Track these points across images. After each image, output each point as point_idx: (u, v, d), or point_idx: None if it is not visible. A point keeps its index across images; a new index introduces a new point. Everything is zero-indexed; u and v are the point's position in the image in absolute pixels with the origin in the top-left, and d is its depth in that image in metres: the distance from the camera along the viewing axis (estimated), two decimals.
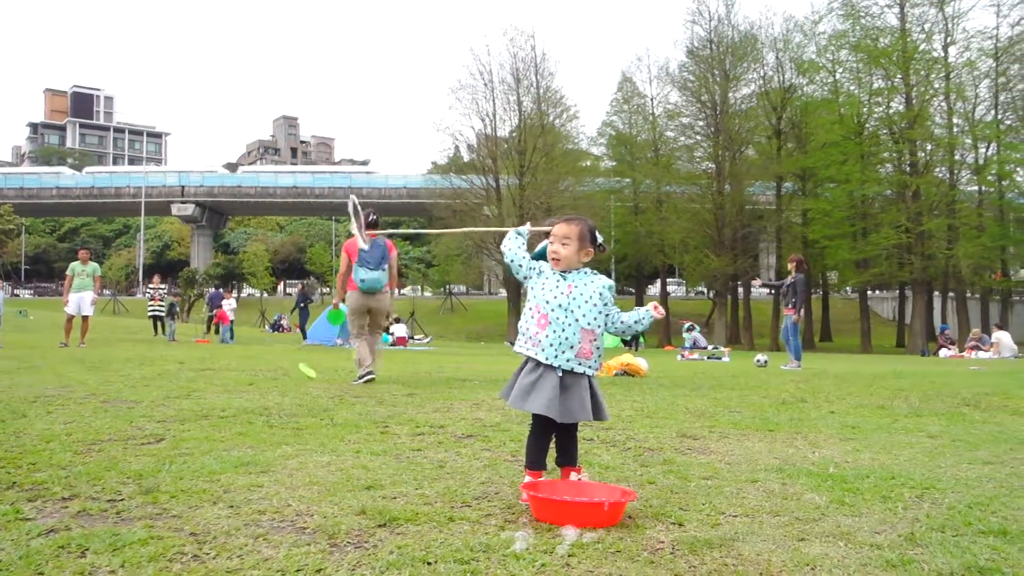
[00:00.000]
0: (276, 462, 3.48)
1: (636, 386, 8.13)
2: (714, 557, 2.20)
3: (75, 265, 14.97)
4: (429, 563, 2.09)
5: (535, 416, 2.94)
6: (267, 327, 39.49)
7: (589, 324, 2.97)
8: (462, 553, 2.18)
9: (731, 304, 42.73)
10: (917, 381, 9.02)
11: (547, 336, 2.93)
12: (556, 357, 2.91)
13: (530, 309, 3.02)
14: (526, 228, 3.23)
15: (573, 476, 3.03)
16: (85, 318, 14.94)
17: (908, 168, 36.20)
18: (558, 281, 3.00)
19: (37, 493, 2.82)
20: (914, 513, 2.75)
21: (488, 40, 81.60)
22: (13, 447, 3.71)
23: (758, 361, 14.70)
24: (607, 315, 3.04)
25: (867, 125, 37.59)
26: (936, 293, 41.24)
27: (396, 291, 8.41)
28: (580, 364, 2.94)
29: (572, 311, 2.95)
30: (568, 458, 3.07)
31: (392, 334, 27.03)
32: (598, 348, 3.02)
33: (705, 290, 53.97)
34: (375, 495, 2.88)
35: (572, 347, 2.93)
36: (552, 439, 3.04)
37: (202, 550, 2.17)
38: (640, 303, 48.25)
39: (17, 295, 68.88)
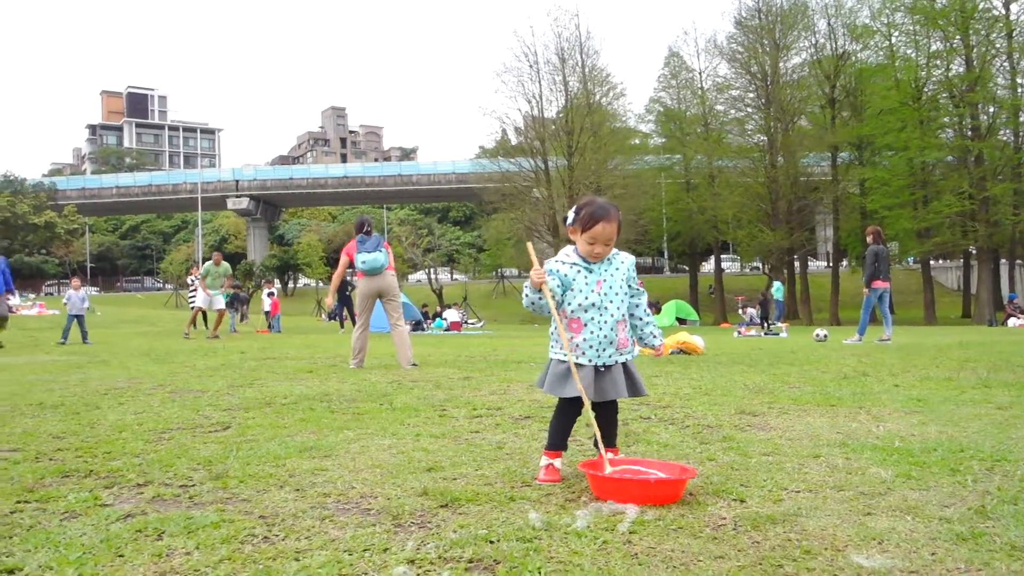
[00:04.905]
0: (339, 446, 3.55)
1: (693, 364, 8.07)
2: (777, 533, 2.18)
3: (209, 266, 16.74)
4: (492, 541, 2.11)
5: (562, 399, 2.92)
6: (324, 316, 40.15)
7: (623, 315, 2.93)
8: (524, 532, 2.20)
9: (788, 279, 41.98)
10: (985, 352, 8.77)
11: (584, 339, 2.86)
12: (599, 357, 2.87)
13: (559, 314, 2.92)
14: (534, 272, 2.84)
15: (609, 455, 3.00)
16: (219, 311, 16.78)
17: (970, 132, 34.97)
18: (586, 278, 2.90)
19: (113, 480, 2.93)
20: (984, 486, 2.68)
21: (532, 21, 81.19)
22: (88, 437, 3.86)
23: (817, 336, 14.42)
24: (630, 300, 2.99)
25: (925, 89, 36.34)
26: (1003, 261, 39.90)
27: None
28: (621, 355, 2.91)
29: (606, 307, 2.88)
30: (608, 440, 3.04)
31: (446, 319, 27.29)
32: (630, 333, 2.98)
33: (760, 265, 53.05)
34: (436, 476, 2.92)
35: (612, 343, 2.88)
36: (574, 423, 3.00)
37: (271, 532, 2.23)
38: (694, 281, 47.94)
39: None
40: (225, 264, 16.99)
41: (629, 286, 2.98)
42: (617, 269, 2.94)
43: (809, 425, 4.04)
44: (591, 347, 2.87)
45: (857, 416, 4.33)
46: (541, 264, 2.89)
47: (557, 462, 2.92)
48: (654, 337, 3.05)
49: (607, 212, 2.84)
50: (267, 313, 24.54)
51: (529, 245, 3.03)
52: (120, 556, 2.03)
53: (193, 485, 2.83)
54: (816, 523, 2.26)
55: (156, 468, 3.11)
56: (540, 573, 1.87)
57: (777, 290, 29.59)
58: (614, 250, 2.98)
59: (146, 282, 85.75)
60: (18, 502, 2.60)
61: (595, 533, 2.19)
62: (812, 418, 4.28)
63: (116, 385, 6.39)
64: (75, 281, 15.63)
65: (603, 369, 2.88)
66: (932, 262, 42.20)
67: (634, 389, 2.94)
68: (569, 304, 2.91)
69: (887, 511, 2.38)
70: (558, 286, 2.90)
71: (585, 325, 2.87)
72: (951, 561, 1.94)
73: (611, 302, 2.89)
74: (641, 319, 3.03)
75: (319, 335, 18.93)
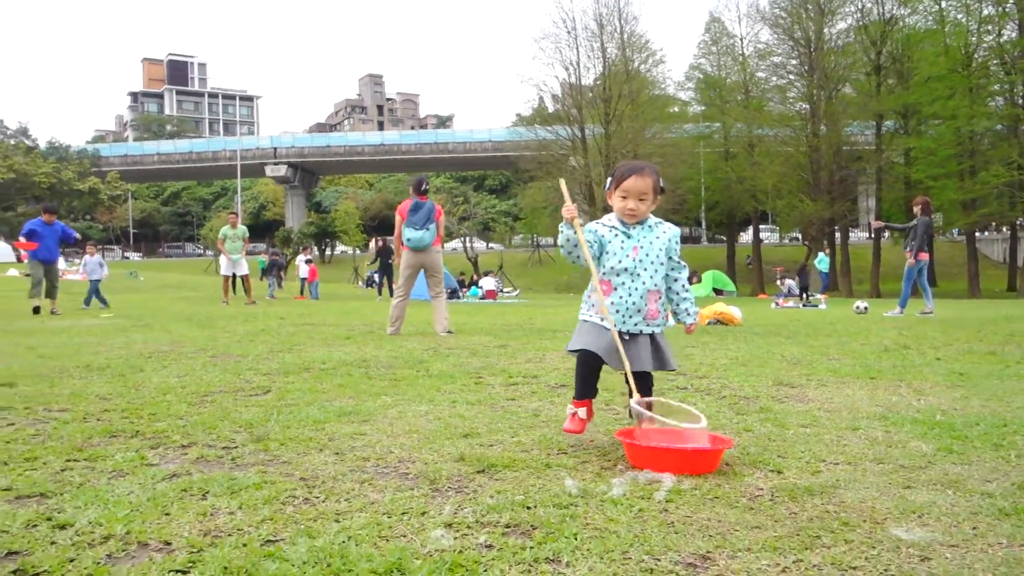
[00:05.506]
0: (377, 411, 3.60)
1: (730, 335, 8.01)
2: (815, 504, 2.17)
3: (226, 229, 16.30)
4: (528, 507, 2.13)
5: (581, 351, 2.89)
6: (360, 283, 40.47)
7: (656, 285, 2.87)
8: (560, 498, 2.21)
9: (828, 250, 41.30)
10: None
11: (612, 303, 2.84)
12: (624, 323, 2.84)
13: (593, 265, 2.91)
14: (565, 208, 2.84)
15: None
16: (244, 277, 16.23)
17: (1021, 100, 33.87)
18: (623, 242, 2.87)
19: (158, 441, 3.00)
20: None
21: None
22: (134, 399, 3.96)
23: (857, 308, 14.21)
24: (670, 273, 2.94)
25: (976, 56, 35.17)
26: None
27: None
28: (648, 326, 2.87)
29: (639, 274, 2.84)
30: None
31: (481, 288, 27.37)
32: (663, 306, 2.93)
33: (800, 236, 52.23)
34: (473, 443, 2.95)
35: (640, 311, 2.85)
36: (597, 371, 2.97)
37: (312, 494, 2.27)
38: (732, 251, 47.39)
39: (127, 257, 72.71)
40: (242, 227, 16.61)
41: (669, 257, 2.93)
42: (657, 238, 2.90)
43: (848, 397, 4.00)
44: (617, 312, 2.84)
45: (898, 389, 4.27)
46: (572, 200, 2.88)
47: (582, 411, 2.93)
48: (688, 314, 3.00)
49: (639, 167, 2.85)
50: (304, 280, 24.83)
51: (561, 181, 3.02)
52: (166, 514, 2.09)
53: (235, 447, 2.89)
54: (855, 495, 2.24)
55: (199, 430, 3.18)
56: (576, 539, 1.89)
57: (821, 261, 29.12)
58: (658, 219, 2.95)
59: (187, 248, 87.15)
60: (68, 460, 2.68)
61: (631, 501, 2.19)
62: (851, 390, 4.23)
63: (159, 349, 6.52)
64: (90, 248, 16.26)
65: (627, 337, 2.86)
66: (978, 234, 41.22)
67: (660, 362, 2.89)
68: (602, 266, 2.89)
69: (928, 485, 2.35)
70: (595, 242, 2.88)
71: (615, 289, 2.85)
72: (993, 536, 1.92)
73: (645, 270, 2.85)
74: (678, 293, 2.99)
75: (357, 302, 19.12)
